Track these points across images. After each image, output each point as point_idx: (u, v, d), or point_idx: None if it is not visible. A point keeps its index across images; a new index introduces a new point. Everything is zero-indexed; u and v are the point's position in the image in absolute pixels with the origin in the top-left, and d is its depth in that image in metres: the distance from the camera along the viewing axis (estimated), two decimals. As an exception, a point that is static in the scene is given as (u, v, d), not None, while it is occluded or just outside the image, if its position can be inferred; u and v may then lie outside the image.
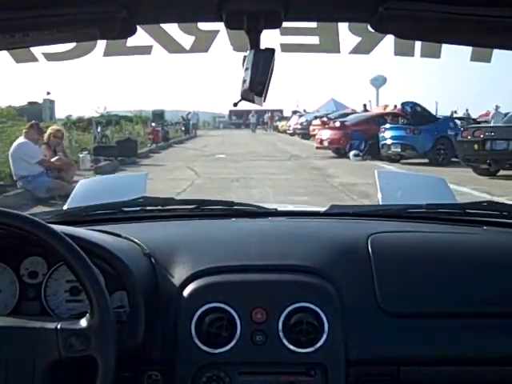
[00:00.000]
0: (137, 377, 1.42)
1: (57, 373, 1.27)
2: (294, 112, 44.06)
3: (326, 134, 19.97)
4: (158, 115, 37.17)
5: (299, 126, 33.78)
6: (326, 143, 19.81)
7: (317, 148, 20.45)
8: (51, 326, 1.26)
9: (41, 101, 32.81)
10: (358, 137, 18.50)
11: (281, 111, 60.45)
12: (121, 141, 18.94)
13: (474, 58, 1.74)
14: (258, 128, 53.15)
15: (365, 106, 28.96)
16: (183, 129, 38.21)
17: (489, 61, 1.75)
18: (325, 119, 26.05)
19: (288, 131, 38.52)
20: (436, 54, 1.74)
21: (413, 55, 1.74)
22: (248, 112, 58.24)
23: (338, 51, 1.71)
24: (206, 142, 30.27)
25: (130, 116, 33.69)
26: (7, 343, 1.24)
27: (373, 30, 1.19)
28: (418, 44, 1.74)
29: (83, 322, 1.25)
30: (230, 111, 68.13)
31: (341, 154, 19.11)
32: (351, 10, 1.16)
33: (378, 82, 42.55)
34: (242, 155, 20.10)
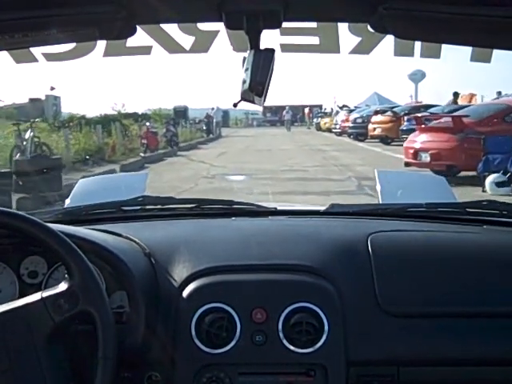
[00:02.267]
0: (137, 377, 1.42)
1: (58, 345, 1.27)
2: (342, 107, 36.59)
3: (426, 141, 11.13)
4: (181, 112, 33.54)
5: (350, 124, 26.52)
6: (426, 157, 10.97)
7: (406, 165, 11.43)
8: (36, 297, 1.26)
9: (43, 97, 29.46)
10: (499, 147, 9.57)
11: (320, 106, 53.88)
12: (23, 161, 10.33)
13: (474, 58, 1.74)
14: (294, 125, 47.08)
15: (457, 98, 18.65)
16: (204, 128, 32.87)
17: (489, 61, 1.75)
18: (390, 114, 21.17)
19: (334, 130, 31.55)
20: (436, 54, 1.74)
21: (413, 55, 1.74)
22: (283, 108, 50.61)
23: (338, 51, 1.71)
24: (226, 147, 22.42)
25: (148, 114, 30.05)
26: (1, 330, 1.24)
27: (373, 30, 1.19)
28: (417, 44, 1.74)
29: (64, 284, 1.26)
30: (264, 107, 59.82)
31: (453, 173, 10.38)
32: (351, 10, 1.16)
33: (417, 76, 41.03)
34: (272, 176, 11.81)
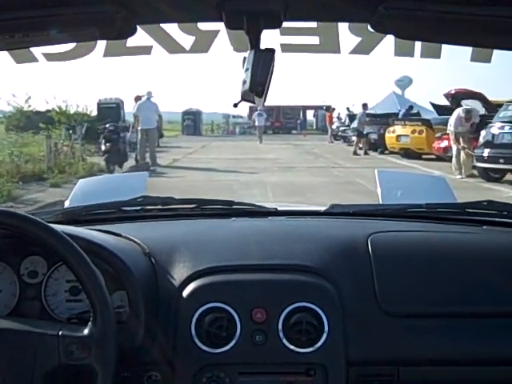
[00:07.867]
0: (137, 377, 1.42)
1: (55, 379, 1.25)
2: (457, 102, 14.79)
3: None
4: (110, 111, 20.34)
5: None
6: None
7: None
8: (53, 331, 1.25)
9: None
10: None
11: (327, 108, 35.65)
12: None
13: (473, 58, 1.74)
14: (291, 134, 34.29)
15: None
16: (104, 149, 13.52)
17: (489, 61, 1.75)
18: None
19: (480, 163, 12.25)
20: (436, 55, 1.74)
21: (413, 56, 1.74)
22: (277, 110, 38.56)
23: (339, 51, 1.72)
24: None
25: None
26: (8, 346, 1.23)
27: (373, 30, 1.19)
28: (418, 44, 1.74)
29: (85, 330, 1.24)
30: (251, 108, 36.36)
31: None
32: (351, 10, 1.16)
33: (404, 82, 39.61)
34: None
